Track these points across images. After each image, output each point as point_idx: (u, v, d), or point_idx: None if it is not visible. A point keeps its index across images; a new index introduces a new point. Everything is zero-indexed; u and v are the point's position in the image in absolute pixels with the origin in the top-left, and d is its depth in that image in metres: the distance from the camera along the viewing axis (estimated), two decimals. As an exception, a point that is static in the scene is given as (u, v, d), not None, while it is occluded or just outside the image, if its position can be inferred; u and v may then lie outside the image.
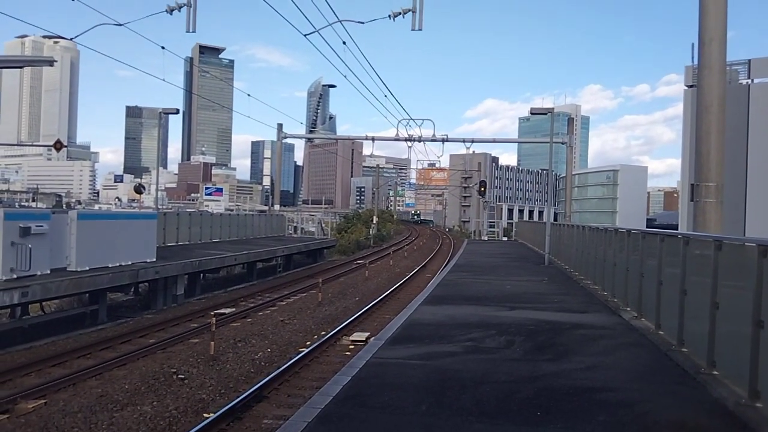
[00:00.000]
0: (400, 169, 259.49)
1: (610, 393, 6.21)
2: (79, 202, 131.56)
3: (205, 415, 8.24)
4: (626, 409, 5.72)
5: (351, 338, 13.05)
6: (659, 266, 9.15)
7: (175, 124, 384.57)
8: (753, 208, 49.74)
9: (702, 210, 10.22)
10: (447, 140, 34.87)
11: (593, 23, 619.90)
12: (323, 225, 50.17)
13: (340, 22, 18.14)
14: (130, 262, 16.06)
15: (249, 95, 36.72)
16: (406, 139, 34.12)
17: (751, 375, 5.71)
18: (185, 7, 17.30)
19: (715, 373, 6.68)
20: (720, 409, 5.72)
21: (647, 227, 32.74)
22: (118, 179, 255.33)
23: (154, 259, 17.22)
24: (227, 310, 16.57)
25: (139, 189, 36.95)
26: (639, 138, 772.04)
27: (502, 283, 15.92)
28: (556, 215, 66.28)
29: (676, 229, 43.59)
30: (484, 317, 10.55)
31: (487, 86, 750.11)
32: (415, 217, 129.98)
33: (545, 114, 27.38)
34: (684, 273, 7.88)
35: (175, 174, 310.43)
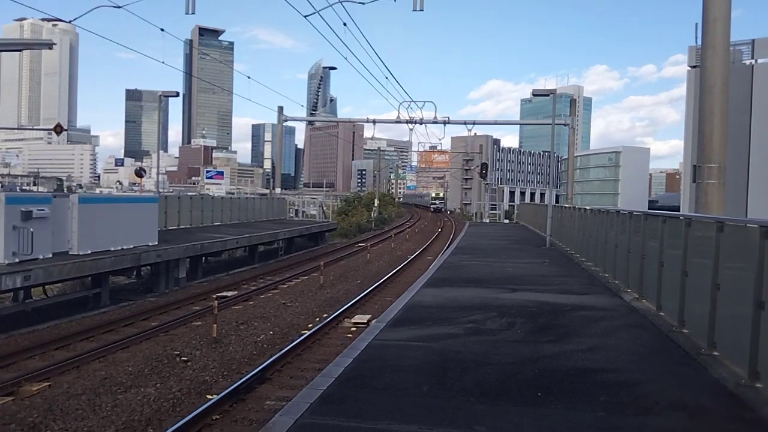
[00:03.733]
0: (401, 151, 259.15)
1: (611, 374, 6.24)
2: (80, 186, 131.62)
3: (209, 396, 8.30)
4: (627, 389, 5.75)
5: (353, 320, 13.11)
6: (660, 248, 9.15)
7: (176, 107, 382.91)
8: (755, 189, 49.57)
9: (704, 191, 10.19)
10: (448, 122, 34.77)
11: (600, 2, 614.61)
12: (324, 208, 50.18)
13: (341, 2, 17.98)
14: (131, 246, 16.09)
15: (249, 78, 36.52)
16: (407, 122, 34.02)
17: (752, 356, 5.73)
18: (184, -12, 17.13)
19: (716, 353, 6.70)
20: (720, 390, 5.74)
21: (649, 209, 32.66)
22: (119, 163, 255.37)
23: (156, 243, 17.26)
24: (229, 293, 16.62)
25: (140, 173, 36.90)
26: (643, 119, 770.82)
27: (504, 266, 15.94)
28: (557, 197, 66.16)
29: (678, 211, 43.53)
30: (486, 299, 10.58)
31: (491, 67, 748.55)
32: (436, 202, 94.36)
33: (547, 95, 27.21)
34: (685, 254, 7.88)
35: (176, 157, 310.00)
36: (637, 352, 7.18)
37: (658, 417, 5.03)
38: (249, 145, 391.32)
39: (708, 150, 10.20)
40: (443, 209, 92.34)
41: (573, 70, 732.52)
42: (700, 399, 5.49)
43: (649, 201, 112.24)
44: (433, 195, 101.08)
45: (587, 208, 18.13)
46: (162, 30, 22.68)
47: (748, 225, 6.37)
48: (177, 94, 31.03)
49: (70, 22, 19.10)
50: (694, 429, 4.80)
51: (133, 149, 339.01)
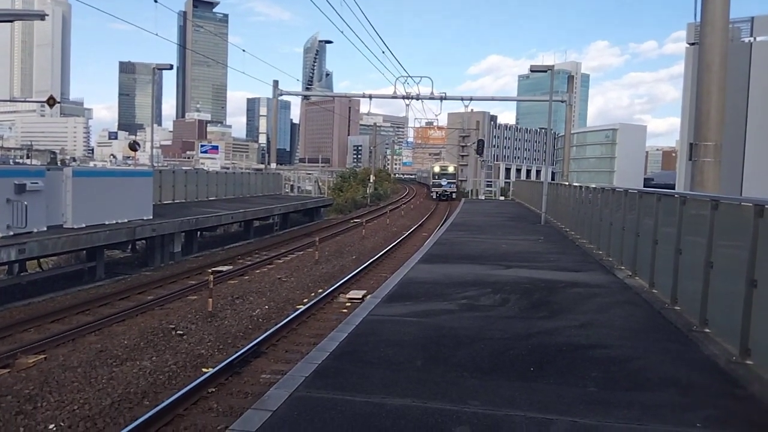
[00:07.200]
0: (397, 127, 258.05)
1: (603, 350, 6.30)
2: (74, 159, 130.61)
3: (204, 369, 8.35)
4: (619, 365, 5.81)
5: (348, 296, 13.16)
6: (655, 225, 9.19)
7: (170, 80, 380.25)
8: (751, 168, 49.68)
9: (700, 169, 10.19)
10: (445, 98, 34.59)
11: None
12: (320, 184, 50.08)
13: (337, -25, 17.69)
14: (126, 220, 16.05)
15: (244, 51, 36.18)
16: (403, 97, 33.83)
17: (743, 333, 5.79)
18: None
19: (708, 331, 6.77)
20: (711, 366, 5.81)
21: (644, 186, 32.69)
22: (113, 136, 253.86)
23: (151, 217, 17.21)
24: (225, 268, 16.65)
25: (134, 146, 36.60)
26: (642, 96, 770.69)
27: (498, 242, 15.98)
28: (553, 175, 66.15)
29: (673, 189, 43.63)
30: (480, 276, 10.62)
31: (492, 42, 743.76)
32: (442, 183, 57.19)
33: (545, 72, 27.05)
34: (679, 232, 7.91)
35: (170, 131, 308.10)
36: (629, 329, 7.24)
37: (650, 393, 5.09)
38: (244, 120, 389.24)
39: (705, 128, 10.18)
40: (455, 194, 56.71)
41: (574, 45, 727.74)
42: (691, 375, 5.55)
43: (645, 179, 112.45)
44: (437, 169, 59.94)
45: (582, 185, 18.14)
46: (155, 1, 22.38)
47: (742, 203, 6.39)
48: (171, 67, 30.60)
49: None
50: (684, 405, 4.87)
51: (127, 122, 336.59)
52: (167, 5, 23.72)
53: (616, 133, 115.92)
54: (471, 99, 34.94)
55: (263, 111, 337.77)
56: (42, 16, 22.53)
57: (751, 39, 54.10)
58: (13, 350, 9.00)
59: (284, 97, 43.21)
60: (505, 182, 72.91)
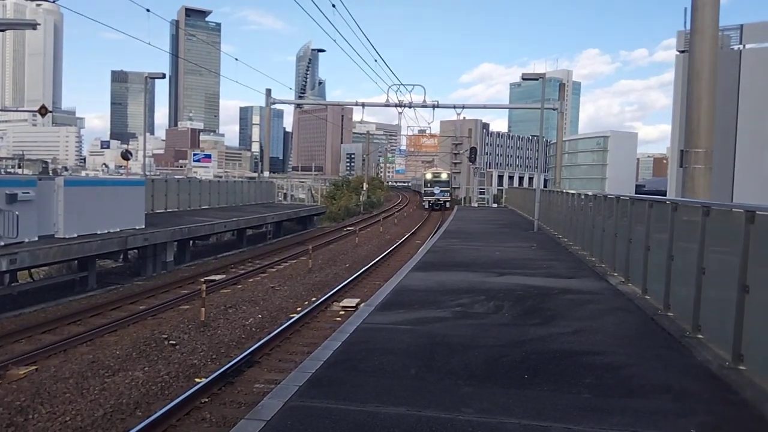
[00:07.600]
0: (390, 135, 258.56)
1: (597, 356, 6.30)
2: (66, 169, 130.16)
3: (197, 379, 8.30)
4: (612, 372, 5.82)
5: (341, 304, 13.13)
6: (647, 232, 9.23)
7: (162, 88, 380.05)
8: (741, 174, 49.97)
9: (691, 176, 10.27)
10: (438, 106, 34.69)
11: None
12: (313, 192, 50.05)
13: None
14: (118, 229, 15.97)
15: (237, 60, 36.18)
16: (396, 105, 33.89)
17: (735, 339, 5.81)
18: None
19: (700, 336, 6.79)
20: (704, 373, 5.83)
21: (636, 193, 32.88)
22: (105, 145, 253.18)
23: (143, 226, 17.14)
24: (217, 277, 16.58)
25: (126, 155, 36.49)
26: (633, 104, 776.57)
27: (492, 250, 16.00)
28: (546, 182, 66.25)
29: (665, 195, 43.85)
30: (474, 283, 10.63)
31: (484, 50, 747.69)
32: (434, 191, 52.70)
33: (536, 80, 27.19)
34: (671, 238, 7.95)
35: (163, 140, 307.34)
36: (622, 335, 7.25)
37: (643, 399, 5.10)
38: (237, 128, 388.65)
39: (695, 135, 10.26)
40: (448, 203, 51.61)
41: (565, 53, 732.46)
42: (684, 382, 5.56)
43: (636, 185, 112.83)
44: (429, 176, 54.91)
45: (575, 192, 18.21)
46: (148, 10, 22.42)
47: (733, 209, 6.43)
48: (163, 76, 30.61)
49: (54, 1, 18.74)
50: (678, 411, 4.87)
51: (119, 131, 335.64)
52: (160, 14, 23.75)
53: (607, 141, 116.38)
54: (463, 107, 35.10)
55: (256, 119, 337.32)
56: (33, 26, 22.47)
57: (741, 46, 54.56)
58: (3, 361, 8.92)
59: (277, 106, 43.25)
60: (498, 189, 72.91)
